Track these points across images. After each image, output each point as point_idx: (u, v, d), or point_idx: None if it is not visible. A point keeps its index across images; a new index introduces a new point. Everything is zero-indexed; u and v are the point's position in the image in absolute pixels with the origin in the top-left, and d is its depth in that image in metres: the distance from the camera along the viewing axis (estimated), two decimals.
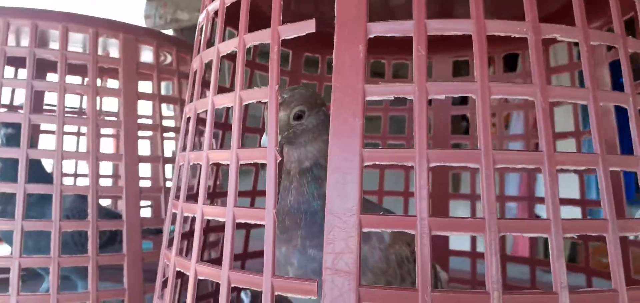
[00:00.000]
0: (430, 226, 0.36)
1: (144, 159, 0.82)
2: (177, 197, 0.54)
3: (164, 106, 0.89)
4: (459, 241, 0.94)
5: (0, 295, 0.71)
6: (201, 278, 0.45)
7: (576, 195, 0.84)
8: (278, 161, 0.41)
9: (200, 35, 0.59)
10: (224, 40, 0.50)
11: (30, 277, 1.06)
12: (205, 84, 0.62)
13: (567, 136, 0.82)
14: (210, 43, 0.57)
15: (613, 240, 0.37)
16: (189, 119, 0.57)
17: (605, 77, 0.68)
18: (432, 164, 0.37)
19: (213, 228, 0.76)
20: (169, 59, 1.01)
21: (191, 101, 0.57)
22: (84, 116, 0.79)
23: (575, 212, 0.81)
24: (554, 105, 0.83)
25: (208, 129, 0.48)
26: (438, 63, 0.89)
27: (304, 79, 0.86)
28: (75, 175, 1.26)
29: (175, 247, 0.51)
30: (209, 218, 0.46)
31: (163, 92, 0.89)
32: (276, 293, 0.39)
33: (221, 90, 0.66)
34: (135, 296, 0.77)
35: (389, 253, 0.50)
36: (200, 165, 0.49)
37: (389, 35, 0.40)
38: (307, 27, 0.41)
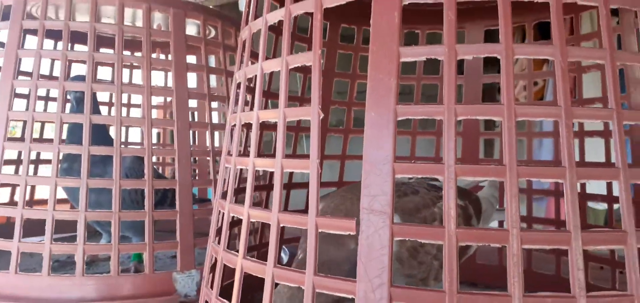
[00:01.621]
0: (457, 172, 0.40)
1: (194, 125, 0.89)
2: (229, 154, 0.61)
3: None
4: None
5: (68, 244, 0.79)
6: (253, 220, 0.51)
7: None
8: (321, 117, 0.46)
9: (248, 7, 0.65)
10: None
11: (89, 237, 1.16)
12: (254, 55, 0.68)
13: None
14: (257, 15, 0.62)
15: (631, 255, 0.40)
16: (239, 84, 0.63)
17: (632, 44, 0.70)
18: (460, 118, 0.41)
19: (258, 187, 0.82)
20: (213, 32, 1.08)
21: (240, 68, 0.63)
22: (140, 86, 0.86)
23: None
24: (583, 71, 0.85)
25: (258, 90, 0.53)
26: (470, 32, 0.92)
27: (340, 49, 0.91)
28: (127, 143, 1.35)
29: (229, 197, 0.57)
30: (259, 168, 0.51)
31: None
32: (320, 230, 0.44)
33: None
34: (186, 249, 0.84)
35: (400, 249, 0.54)
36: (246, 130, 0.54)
37: (422, 2, 0.44)
38: None
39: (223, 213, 0.59)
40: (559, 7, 0.41)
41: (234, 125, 0.60)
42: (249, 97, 0.70)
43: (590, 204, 1.10)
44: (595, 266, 0.86)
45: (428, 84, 0.98)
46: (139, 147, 1.35)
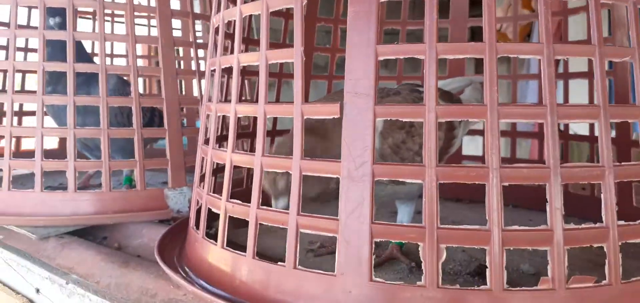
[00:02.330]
0: (438, 50, 0.41)
1: (178, 42, 0.88)
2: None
3: None
4: (471, 147, 0.99)
5: (60, 161, 0.80)
6: (241, 115, 0.52)
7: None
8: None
9: None
10: None
11: None
12: None
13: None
14: None
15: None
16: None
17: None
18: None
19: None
20: None
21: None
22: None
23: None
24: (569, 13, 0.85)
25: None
26: None
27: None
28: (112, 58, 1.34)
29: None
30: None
31: None
32: (305, 116, 0.46)
33: None
34: (177, 166, 0.86)
35: (382, 145, 0.55)
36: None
37: None
38: None
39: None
40: None
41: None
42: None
43: None
44: None
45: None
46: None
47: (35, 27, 0.80)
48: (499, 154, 0.40)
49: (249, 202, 0.49)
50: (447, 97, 0.65)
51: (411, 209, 0.65)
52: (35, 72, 0.82)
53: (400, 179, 0.43)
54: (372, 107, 0.43)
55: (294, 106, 0.46)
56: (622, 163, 0.43)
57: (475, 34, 1.13)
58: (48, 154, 0.80)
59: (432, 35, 0.41)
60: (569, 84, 0.89)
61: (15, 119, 1.07)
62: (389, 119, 0.58)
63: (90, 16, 1.35)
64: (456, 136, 0.61)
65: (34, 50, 0.94)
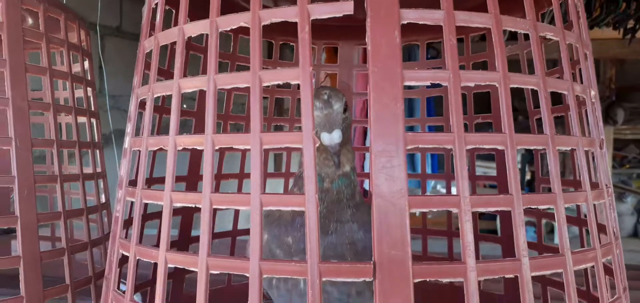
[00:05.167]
0: (472, 203, 0.39)
1: (37, 143, 0.69)
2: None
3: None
4: None
5: None
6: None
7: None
8: (317, 145, 0.40)
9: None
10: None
11: None
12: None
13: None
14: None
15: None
16: (142, 103, 0.52)
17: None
18: (469, 147, 0.40)
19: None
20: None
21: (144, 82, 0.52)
22: None
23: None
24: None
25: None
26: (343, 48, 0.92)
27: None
28: None
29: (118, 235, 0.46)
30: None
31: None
32: (323, 279, 0.38)
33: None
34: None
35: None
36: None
37: (421, 22, 0.41)
38: (345, 8, 0.40)
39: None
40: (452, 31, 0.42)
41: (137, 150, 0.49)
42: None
43: None
44: None
45: None
46: None
47: None
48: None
49: None
50: None
51: None
52: None
53: None
54: (409, 265, 0.38)
55: (309, 263, 0.38)
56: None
57: None
58: None
59: (464, 188, 0.39)
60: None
61: None
62: None
63: None
64: None
65: None
